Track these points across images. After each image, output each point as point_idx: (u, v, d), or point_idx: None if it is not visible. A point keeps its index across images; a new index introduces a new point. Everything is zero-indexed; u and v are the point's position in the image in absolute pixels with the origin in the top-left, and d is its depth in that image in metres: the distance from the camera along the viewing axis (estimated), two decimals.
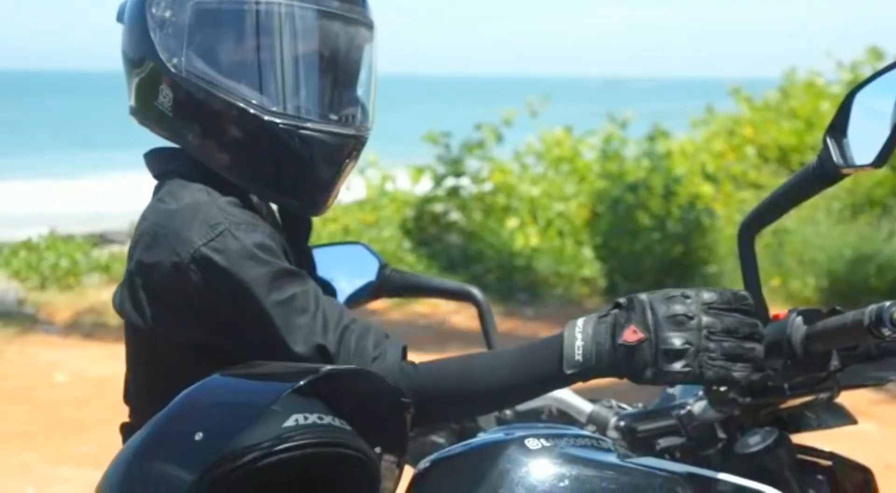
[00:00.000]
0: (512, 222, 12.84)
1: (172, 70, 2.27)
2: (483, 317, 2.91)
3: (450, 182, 13.40)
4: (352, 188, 13.38)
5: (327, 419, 1.93)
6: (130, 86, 2.38)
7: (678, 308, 1.95)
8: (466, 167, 13.51)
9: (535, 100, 14.07)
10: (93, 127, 54.26)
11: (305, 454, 1.89)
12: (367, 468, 1.98)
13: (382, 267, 2.95)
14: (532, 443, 2.05)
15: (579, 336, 2.01)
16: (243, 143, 2.29)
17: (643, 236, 12.47)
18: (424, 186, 13.70)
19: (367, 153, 14.67)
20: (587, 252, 12.60)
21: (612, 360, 1.98)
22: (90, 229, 14.16)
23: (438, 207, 13.40)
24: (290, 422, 1.89)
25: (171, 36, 2.28)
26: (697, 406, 2.43)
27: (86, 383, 8.51)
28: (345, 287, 2.94)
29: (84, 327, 10.07)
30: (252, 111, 2.26)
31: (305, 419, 1.91)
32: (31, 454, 7.13)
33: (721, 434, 2.41)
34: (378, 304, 10.94)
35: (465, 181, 13.46)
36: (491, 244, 12.71)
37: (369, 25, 2.38)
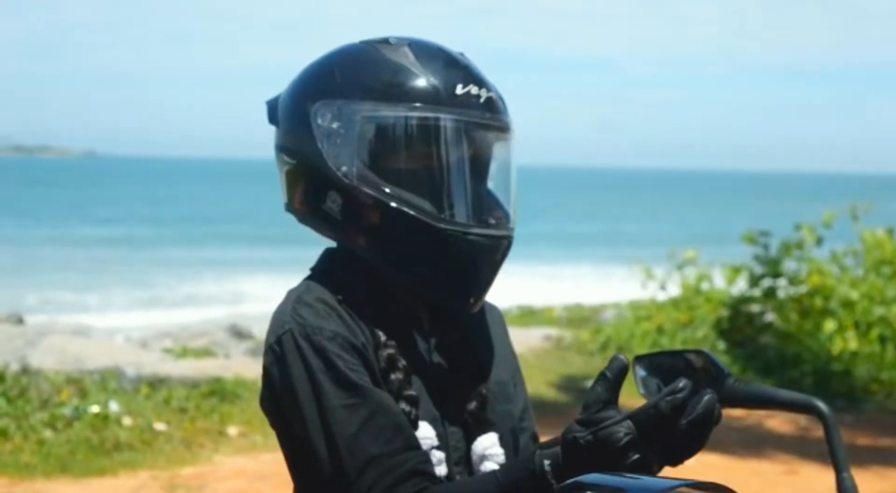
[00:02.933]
0: (830, 325, 12.53)
1: (343, 179, 2.38)
2: (829, 432, 2.81)
3: (766, 283, 13.19)
4: (667, 287, 13.30)
5: None
6: (290, 186, 2.50)
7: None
8: (784, 268, 13.28)
9: (860, 204, 13.73)
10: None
11: None
12: None
13: (726, 377, 2.89)
14: None
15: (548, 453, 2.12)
16: (411, 245, 2.39)
17: None
18: (740, 286, 13.53)
19: (687, 250, 14.65)
20: None
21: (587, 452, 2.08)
22: None
23: (754, 308, 13.20)
24: None
25: (339, 146, 2.38)
26: None
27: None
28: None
29: None
30: (423, 219, 2.36)
31: None
32: None
33: None
34: None
35: (781, 282, 13.23)
36: (808, 347, 12.43)
37: (511, 130, 2.48)
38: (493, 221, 2.45)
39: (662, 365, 2.85)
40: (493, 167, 2.49)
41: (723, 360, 12.14)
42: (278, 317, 2.38)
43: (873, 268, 13.40)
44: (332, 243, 2.53)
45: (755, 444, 10.04)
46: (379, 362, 2.37)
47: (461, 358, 2.54)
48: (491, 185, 2.50)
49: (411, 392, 2.40)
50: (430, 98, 2.36)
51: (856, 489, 2.65)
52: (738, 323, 13.14)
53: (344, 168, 2.37)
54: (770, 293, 13.24)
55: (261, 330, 16.44)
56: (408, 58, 2.41)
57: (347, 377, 2.30)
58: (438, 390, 2.46)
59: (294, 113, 2.46)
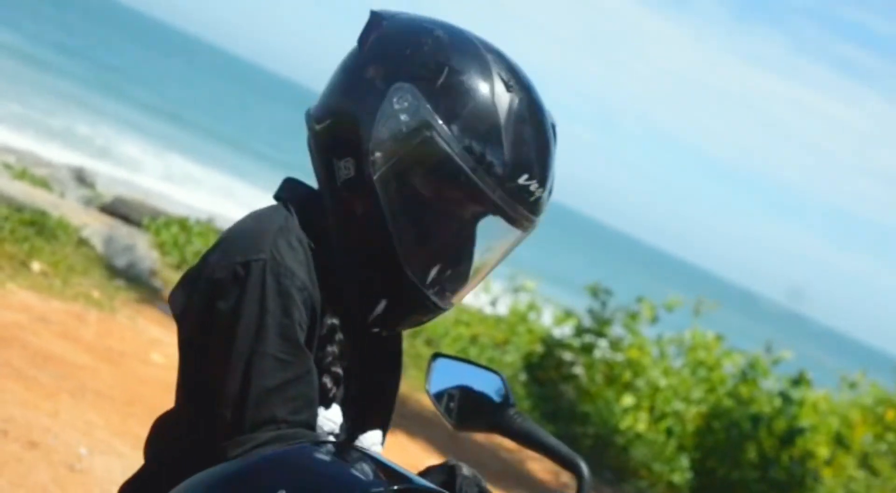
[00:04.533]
0: (628, 400, 12.73)
1: (370, 163, 2.30)
2: (580, 492, 2.86)
3: (588, 338, 13.34)
4: (497, 303, 13.39)
5: None
6: (320, 122, 2.41)
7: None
8: (610, 331, 13.45)
9: (707, 301, 13.96)
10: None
11: None
12: None
13: (510, 406, 2.93)
14: None
15: None
16: (371, 263, 2.36)
17: (745, 469, 12.27)
18: (564, 330, 13.66)
19: (527, 277, 14.77)
20: (685, 460, 12.42)
21: None
22: None
23: (567, 356, 13.34)
24: None
25: (389, 136, 2.29)
26: None
27: (175, 372, 8.58)
28: (461, 403, 2.92)
29: None
30: (399, 256, 2.33)
31: None
32: (97, 416, 7.17)
33: None
34: None
35: (603, 343, 13.39)
36: (600, 412, 12.60)
37: (535, 227, 2.42)
38: (450, 297, 2.43)
39: (458, 372, 2.87)
40: (496, 250, 2.45)
41: (519, 392, 12.27)
42: (253, 237, 2.29)
43: (691, 365, 13.63)
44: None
45: (514, 477, 10.17)
46: (322, 327, 2.33)
47: (380, 356, 2.56)
48: (479, 259, 2.46)
49: (338, 370, 2.39)
50: (493, 171, 2.27)
51: None
52: (546, 363, 13.25)
53: (378, 155, 2.29)
54: (588, 348, 13.39)
55: (105, 184, 16.23)
56: (507, 112, 2.29)
57: (294, 332, 2.25)
58: (352, 376, 2.45)
59: (374, 71, 2.34)
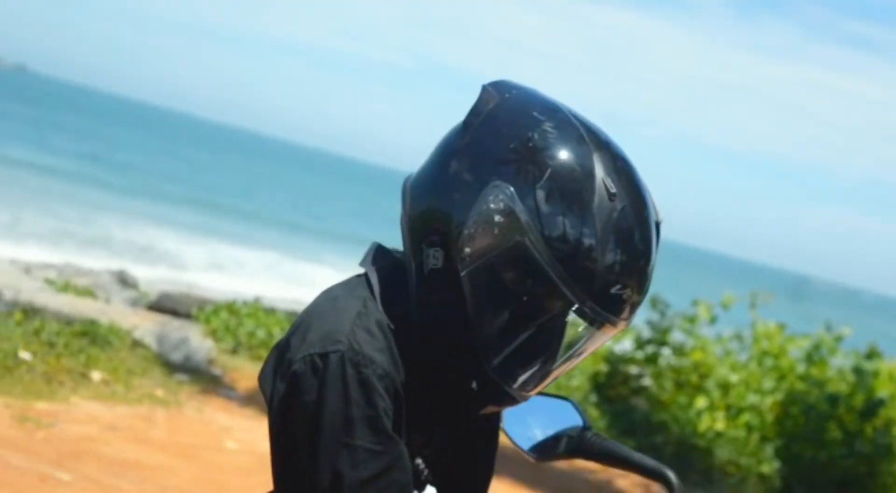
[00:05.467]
0: (701, 402, 12.67)
1: (459, 260, 2.25)
2: None
3: (651, 348, 13.30)
4: None
5: None
6: (414, 203, 2.35)
7: None
8: (671, 338, 13.42)
9: (761, 293, 13.91)
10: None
11: None
12: None
13: (586, 429, 2.92)
14: None
15: None
16: (452, 349, 2.31)
17: (830, 448, 12.19)
18: (625, 345, 13.64)
19: None
20: (770, 449, 12.36)
21: None
22: (294, 308, 14.38)
23: (633, 369, 13.30)
24: None
25: (480, 235, 2.23)
26: None
27: (254, 455, 8.60)
28: (538, 435, 2.92)
29: (263, 400, 10.14)
30: (474, 352, 2.28)
31: None
32: None
33: None
34: None
35: (666, 351, 13.35)
36: (676, 418, 12.55)
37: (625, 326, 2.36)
38: (530, 391, 2.37)
39: (529, 405, 2.86)
40: (583, 349, 2.37)
41: (592, 414, 12.23)
42: (330, 327, 2.26)
43: (757, 357, 13.57)
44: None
45: None
46: (409, 410, 2.30)
47: (475, 432, 2.53)
48: (564, 355, 2.37)
49: (428, 451, 2.38)
50: (584, 282, 2.21)
51: None
52: (614, 380, 13.23)
53: (468, 251, 2.23)
54: (652, 359, 13.35)
55: (148, 282, 16.32)
56: (605, 223, 2.21)
57: (381, 422, 2.22)
58: (447, 455, 2.45)
59: (474, 162, 2.28)
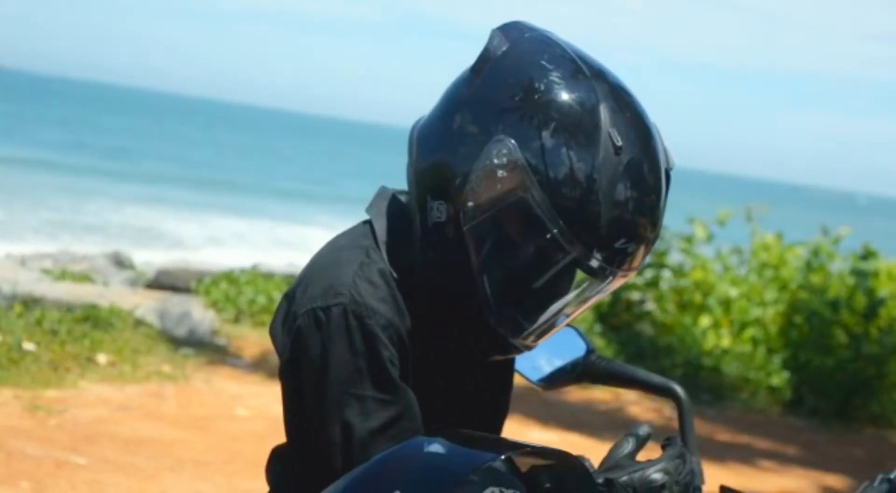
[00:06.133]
0: (705, 321, 12.73)
1: (462, 214, 2.24)
2: (682, 416, 2.86)
3: (651, 272, 13.33)
4: None
5: None
6: (421, 154, 2.34)
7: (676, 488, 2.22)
8: (669, 260, 13.45)
9: (755, 206, 13.93)
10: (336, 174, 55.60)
11: None
12: None
13: (589, 352, 2.94)
14: None
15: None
16: (456, 300, 2.33)
17: (837, 353, 12.24)
18: None
19: None
20: (777, 361, 12.41)
21: None
22: (292, 271, 14.39)
23: (635, 295, 13.34)
24: None
25: (483, 188, 2.22)
26: None
27: (266, 420, 8.64)
28: (544, 366, 2.94)
29: (271, 365, 10.19)
30: (478, 305, 2.30)
31: (501, 492, 1.92)
32: (203, 484, 7.25)
33: None
34: None
35: (666, 273, 13.39)
36: (682, 340, 12.61)
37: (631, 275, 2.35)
38: (535, 340, 2.38)
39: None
40: (589, 297, 2.37)
41: (598, 343, 12.28)
42: (332, 280, 2.28)
43: (757, 270, 13.61)
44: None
45: (617, 427, 10.17)
46: (418, 353, 2.33)
47: (487, 371, 2.53)
48: (571, 304, 2.38)
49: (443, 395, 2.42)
50: (587, 237, 2.20)
51: (702, 475, 2.72)
52: (617, 308, 13.27)
53: (471, 205, 2.22)
54: (653, 283, 13.39)
55: (145, 263, 16.31)
56: (610, 177, 2.20)
57: (388, 371, 2.25)
58: (461, 394, 2.47)
59: (479, 115, 2.26)
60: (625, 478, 2.27)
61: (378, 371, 2.24)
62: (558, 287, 2.33)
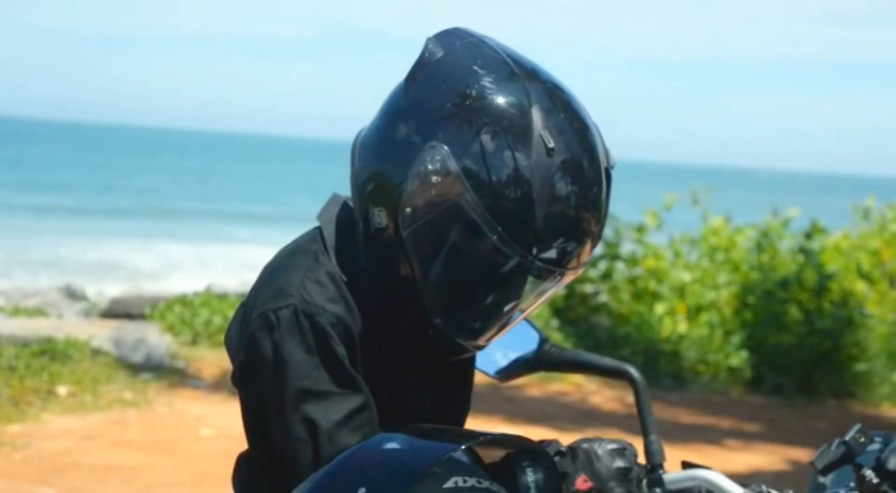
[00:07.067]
0: (661, 308, 12.79)
1: (400, 219, 2.27)
2: (639, 397, 2.90)
3: (604, 264, 13.37)
4: None
5: (486, 483, 1.97)
6: (361, 163, 2.37)
7: (620, 463, 2.23)
8: (621, 251, 13.50)
9: (699, 190, 14.01)
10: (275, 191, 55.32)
11: None
12: None
13: (543, 342, 2.97)
14: None
15: (532, 485, 2.13)
16: (403, 304, 2.35)
17: (792, 330, 12.34)
18: None
19: None
20: (735, 342, 12.49)
21: None
22: (246, 290, 14.35)
23: (589, 288, 13.38)
24: (449, 484, 1.93)
25: (419, 197, 2.24)
26: None
27: (232, 439, 8.62)
28: (500, 359, 2.98)
29: (231, 385, 10.16)
30: (423, 308, 2.32)
31: (465, 481, 1.95)
32: None
33: None
34: (520, 380, 11.05)
35: (619, 265, 13.43)
36: (638, 328, 12.66)
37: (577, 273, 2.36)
38: (483, 340, 2.40)
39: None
40: (534, 298, 2.39)
41: (556, 338, 12.31)
42: (281, 283, 2.32)
43: (708, 254, 13.68)
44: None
45: (581, 418, 10.23)
46: (369, 351, 2.35)
47: (447, 371, 2.55)
48: (516, 305, 2.39)
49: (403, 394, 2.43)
50: (523, 240, 2.21)
51: (662, 452, 2.77)
52: (572, 302, 13.29)
53: (408, 211, 2.25)
54: (607, 274, 13.42)
55: (96, 292, 16.24)
56: (543, 180, 2.21)
57: (343, 365, 2.28)
58: (419, 394, 2.48)
59: (413, 122, 2.29)
60: (585, 445, 2.32)
61: (334, 366, 2.27)
62: (504, 289, 2.34)
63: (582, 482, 2.19)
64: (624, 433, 9.02)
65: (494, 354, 2.93)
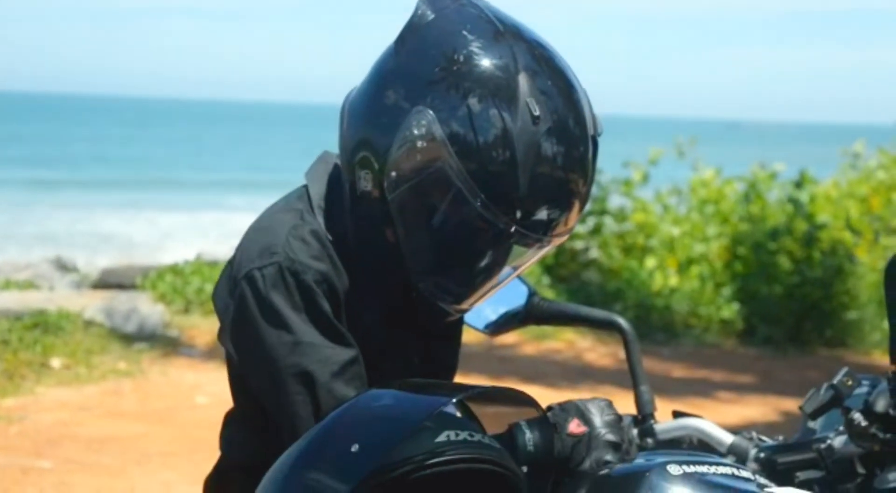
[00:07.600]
0: (651, 262, 12.80)
1: (386, 187, 2.28)
2: (628, 347, 2.92)
3: (592, 220, 13.37)
4: None
5: (478, 437, 1.98)
6: (349, 125, 2.38)
7: (610, 412, 2.25)
8: (609, 205, 13.50)
9: (683, 142, 14.02)
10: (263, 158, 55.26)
11: (455, 469, 1.94)
12: (514, 486, 2.03)
13: (532, 295, 2.99)
14: (673, 469, 2.11)
15: (527, 432, 2.18)
16: (386, 265, 2.38)
17: (783, 280, 12.36)
18: None
19: None
20: (726, 294, 12.51)
21: (559, 449, 2.19)
22: None
23: (579, 245, 13.38)
24: (441, 438, 1.94)
25: (405, 162, 2.26)
26: (838, 441, 2.45)
27: (227, 405, 8.61)
28: (489, 314, 3.00)
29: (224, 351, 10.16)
30: (410, 274, 2.36)
31: (457, 435, 1.96)
32: (171, 474, 7.26)
33: (860, 469, 2.42)
34: (512, 338, 11.11)
35: (607, 219, 13.43)
36: (629, 283, 12.67)
37: (559, 240, 2.37)
38: (466, 304, 2.42)
39: None
40: (517, 263, 2.41)
41: (547, 294, 12.31)
42: (267, 241, 2.34)
43: (697, 207, 13.68)
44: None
45: (575, 375, 10.25)
46: (355, 309, 2.38)
47: (435, 327, 2.57)
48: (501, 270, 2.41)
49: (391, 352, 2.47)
50: (506, 207, 2.23)
51: (653, 402, 2.79)
52: (562, 259, 13.30)
53: (393, 175, 2.26)
54: (596, 230, 13.42)
55: (87, 263, 16.23)
56: (527, 147, 2.22)
57: (331, 320, 2.31)
58: (408, 350, 2.52)
59: (401, 87, 2.29)
60: (575, 401, 2.33)
61: (321, 321, 2.30)
62: (488, 255, 2.35)
63: (575, 425, 2.21)
64: (618, 388, 9.07)
65: (484, 309, 2.95)
